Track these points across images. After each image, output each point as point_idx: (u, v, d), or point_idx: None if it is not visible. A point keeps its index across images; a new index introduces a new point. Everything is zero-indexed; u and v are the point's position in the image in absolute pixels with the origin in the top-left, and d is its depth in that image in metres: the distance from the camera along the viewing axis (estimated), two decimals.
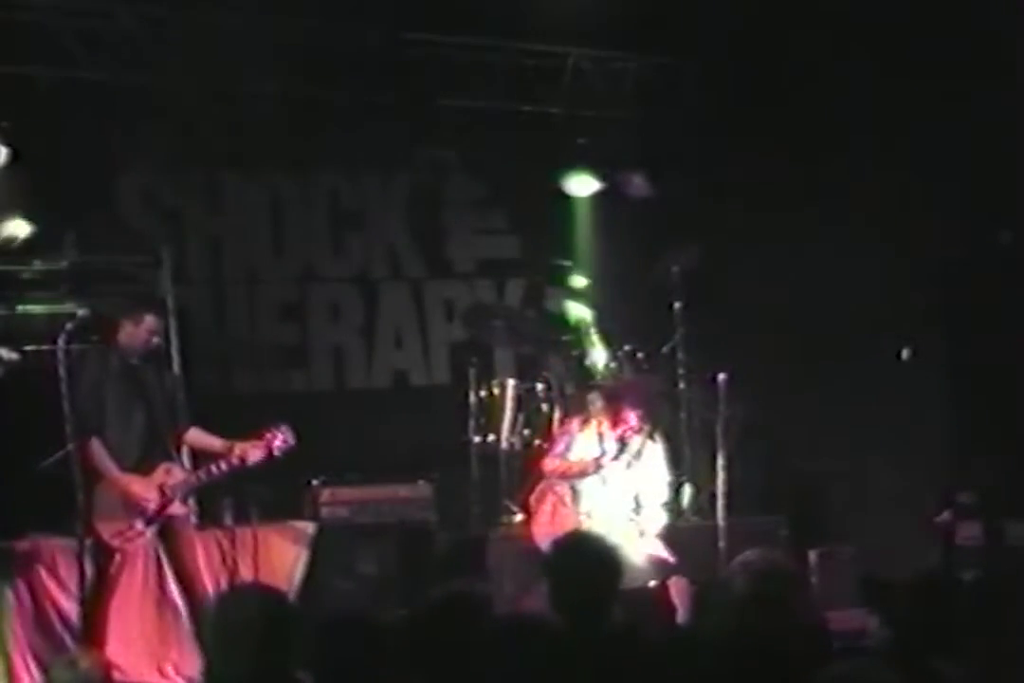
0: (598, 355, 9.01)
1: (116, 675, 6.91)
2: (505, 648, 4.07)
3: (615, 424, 7.64)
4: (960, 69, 8.53)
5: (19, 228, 8.45)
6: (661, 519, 7.70)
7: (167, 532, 7.28)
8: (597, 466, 7.59)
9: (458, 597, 4.56)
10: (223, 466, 7.26)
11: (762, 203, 9.44)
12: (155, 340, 7.35)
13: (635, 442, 7.63)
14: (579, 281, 10.01)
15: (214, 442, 7.40)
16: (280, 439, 7.26)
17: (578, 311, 9.36)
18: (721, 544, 7.56)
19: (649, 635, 4.64)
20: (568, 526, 7.32)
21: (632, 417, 7.61)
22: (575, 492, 7.64)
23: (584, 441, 7.73)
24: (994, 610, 4.75)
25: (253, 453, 7.24)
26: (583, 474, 7.62)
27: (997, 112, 8.57)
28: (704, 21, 9.13)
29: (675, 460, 9.14)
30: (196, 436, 7.48)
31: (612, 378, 8.77)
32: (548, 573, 4.91)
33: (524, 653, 4.04)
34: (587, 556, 4.86)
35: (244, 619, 4.11)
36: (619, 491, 7.64)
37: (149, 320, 7.32)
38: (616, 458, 7.57)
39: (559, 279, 10.16)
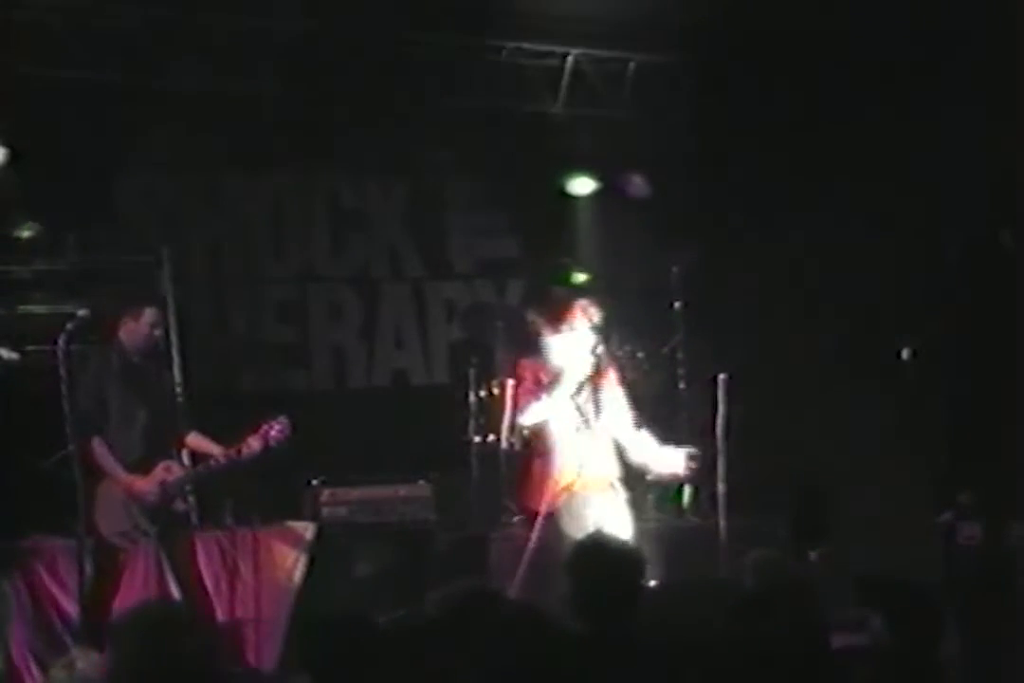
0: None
1: None
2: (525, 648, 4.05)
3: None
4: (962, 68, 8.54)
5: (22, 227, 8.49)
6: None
7: (167, 532, 7.28)
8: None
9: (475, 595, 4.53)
10: (221, 460, 7.26)
11: (762, 203, 9.45)
12: (156, 333, 7.35)
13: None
14: (579, 281, 9.99)
15: (211, 447, 7.39)
16: (276, 429, 7.23)
17: None
18: (721, 544, 7.56)
19: (662, 634, 4.63)
20: (551, 486, 7.19)
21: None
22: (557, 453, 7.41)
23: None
24: (994, 610, 4.76)
25: (248, 446, 7.24)
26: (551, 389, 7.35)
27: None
28: (704, 21, 9.13)
29: None
30: (195, 440, 7.48)
31: None
32: (570, 576, 4.78)
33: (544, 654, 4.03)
34: (611, 558, 4.78)
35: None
36: (599, 451, 7.45)
37: (149, 313, 7.30)
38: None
39: (559, 279, 10.15)
